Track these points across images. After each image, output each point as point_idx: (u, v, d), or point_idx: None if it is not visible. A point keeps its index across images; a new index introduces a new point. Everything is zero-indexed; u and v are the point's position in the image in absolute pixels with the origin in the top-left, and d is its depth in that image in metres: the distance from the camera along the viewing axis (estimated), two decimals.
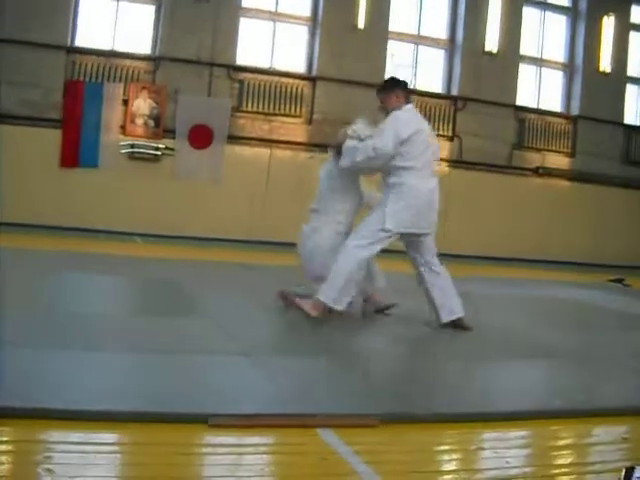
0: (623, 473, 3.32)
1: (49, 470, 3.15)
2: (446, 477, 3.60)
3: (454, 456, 3.95)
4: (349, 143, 7.34)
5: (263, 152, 17.49)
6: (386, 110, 7.48)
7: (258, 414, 4.01)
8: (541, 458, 3.99)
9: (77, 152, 16.39)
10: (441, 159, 18.85)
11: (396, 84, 7.62)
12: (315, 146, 17.72)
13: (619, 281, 14.97)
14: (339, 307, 7.03)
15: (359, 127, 7.50)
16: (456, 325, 7.32)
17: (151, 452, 3.56)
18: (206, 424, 3.84)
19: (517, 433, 4.30)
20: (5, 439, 3.55)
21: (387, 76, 17.86)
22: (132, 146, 16.64)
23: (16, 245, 11.06)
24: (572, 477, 3.70)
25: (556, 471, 3.74)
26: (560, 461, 3.95)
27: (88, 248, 12.76)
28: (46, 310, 6.69)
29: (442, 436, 4.15)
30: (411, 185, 7.14)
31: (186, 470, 3.39)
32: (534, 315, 8.30)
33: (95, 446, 3.52)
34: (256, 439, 3.81)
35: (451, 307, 7.34)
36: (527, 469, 3.76)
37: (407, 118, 7.32)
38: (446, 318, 7.31)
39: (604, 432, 4.50)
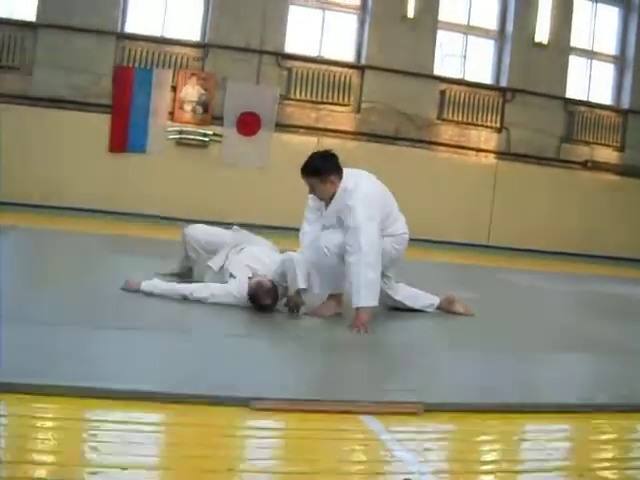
0: None
1: (94, 448, 3.18)
2: (488, 466, 3.57)
3: (496, 446, 3.92)
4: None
5: (310, 140, 17.46)
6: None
7: (300, 399, 4.03)
8: (582, 452, 3.95)
9: (125, 137, 16.53)
10: (488, 151, 18.88)
11: (329, 168, 6.74)
12: (362, 135, 17.76)
13: None
14: None
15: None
16: None
17: (193, 433, 3.58)
18: (248, 407, 3.86)
19: (560, 426, 4.26)
20: (52, 416, 3.59)
21: (436, 66, 17.95)
22: (180, 132, 16.75)
23: (66, 228, 11.18)
24: (613, 472, 3.66)
25: (597, 465, 3.69)
26: (601, 455, 3.92)
27: (135, 231, 12.89)
28: (94, 291, 6.78)
29: (484, 426, 4.12)
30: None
31: (226, 452, 3.39)
32: (584, 309, 8.26)
33: (137, 425, 3.54)
34: (298, 424, 3.81)
35: None
36: (568, 462, 3.72)
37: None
38: None
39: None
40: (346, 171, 6.79)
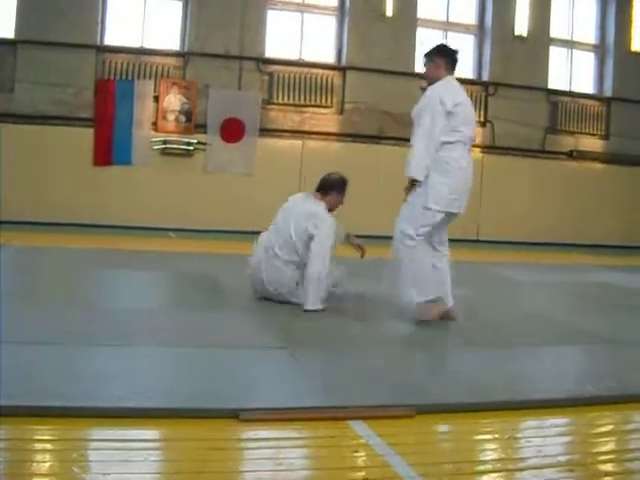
0: None
1: (83, 468, 3.18)
2: (480, 467, 3.58)
3: (488, 446, 3.93)
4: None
5: (295, 144, 17.49)
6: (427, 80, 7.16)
7: (288, 407, 4.03)
8: (575, 446, 3.96)
9: (110, 150, 16.49)
10: (474, 145, 18.86)
11: (437, 51, 7.17)
12: (346, 135, 17.76)
13: None
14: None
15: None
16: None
17: (182, 448, 3.58)
18: (237, 419, 3.86)
19: (551, 421, 4.27)
20: (39, 437, 3.59)
21: (417, 63, 17.98)
22: (164, 142, 16.71)
23: (52, 244, 11.15)
24: (607, 465, 3.67)
25: (590, 459, 3.70)
26: (594, 449, 3.92)
27: (123, 245, 12.87)
28: (81, 307, 6.77)
29: (475, 425, 4.13)
30: (455, 162, 6.88)
31: (217, 465, 3.39)
32: (569, 300, 8.27)
33: (126, 443, 3.54)
34: (287, 433, 3.81)
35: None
36: (561, 457, 3.72)
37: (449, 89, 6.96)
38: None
39: (638, 419, 4.47)
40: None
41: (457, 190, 6.95)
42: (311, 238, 7.35)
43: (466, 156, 7.01)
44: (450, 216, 7.09)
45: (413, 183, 6.83)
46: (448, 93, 6.86)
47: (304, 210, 7.57)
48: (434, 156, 6.77)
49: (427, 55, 7.18)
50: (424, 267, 6.94)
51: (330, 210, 7.66)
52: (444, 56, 7.09)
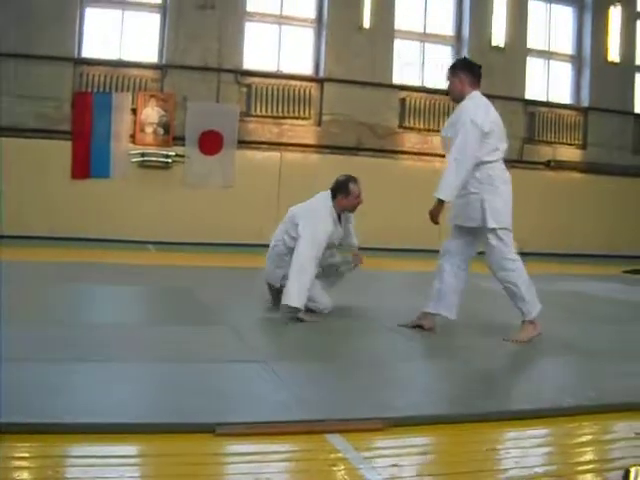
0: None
1: None
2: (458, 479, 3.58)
3: (465, 458, 3.91)
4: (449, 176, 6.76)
5: (274, 156, 17.52)
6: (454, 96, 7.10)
7: (264, 422, 4.01)
8: (554, 457, 3.96)
9: (88, 163, 16.46)
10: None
11: (461, 66, 7.13)
12: (325, 147, 17.79)
13: (635, 272, 14.91)
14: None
15: None
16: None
17: (158, 463, 3.55)
18: (213, 433, 3.84)
19: (529, 432, 4.26)
20: (14, 455, 3.55)
21: (395, 74, 18.06)
22: (142, 155, 16.71)
23: (30, 258, 11.10)
24: (586, 476, 3.67)
25: (569, 470, 3.70)
26: (574, 459, 3.91)
27: (102, 258, 12.82)
28: (58, 322, 6.71)
29: (452, 437, 4.12)
30: (500, 178, 6.91)
31: None
32: (548, 310, 8.24)
33: (102, 459, 3.51)
34: (264, 447, 3.78)
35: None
36: (540, 469, 3.71)
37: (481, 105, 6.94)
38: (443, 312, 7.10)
39: (616, 429, 4.47)
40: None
41: (509, 203, 7.04)
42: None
43: (505, 169, 7.05)
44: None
45: (440, 205, 6.78)
46: (479, 112, 6.81)
47: (305, 205, 7.92)
48: (478, 177, 6.79)
49: (451, 69, 7.12)
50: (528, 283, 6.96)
51: (350, 211, 8.01)
52: (468, 71, 7.04)
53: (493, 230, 6.87)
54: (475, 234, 7.08)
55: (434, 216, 6.81)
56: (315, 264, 7.40)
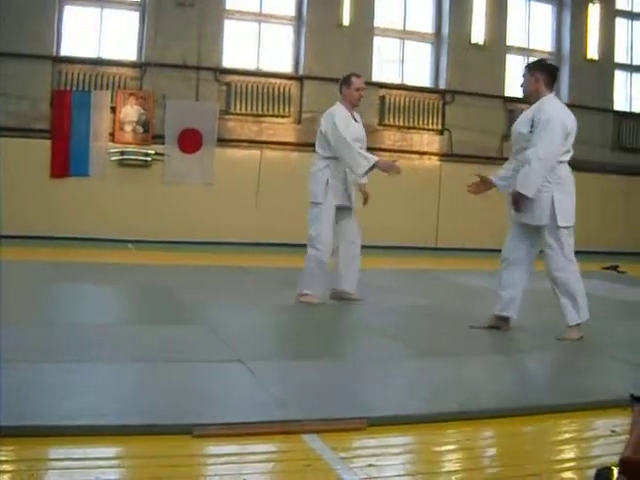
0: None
1: None
2: (435, 479, 3.58)
3: (443, 457, 3.92)
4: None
5: (253, 154, 17.45)
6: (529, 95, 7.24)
7: (241, 422, 4.00)
8: (532, 455, 3.96)
9: (67, 162, 16.36)
10: (431, 153, 19.02)
11: (538, 66, 7.25)
12: (305, 145, 17.75)
13: (614, 268, 14.97)
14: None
15: None
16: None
17: (135, 466, 3.54)
18: (191, 435, 3.83)
19: (507, 430, 4.28)
20: None
21: (375, 72, 18.07)
22: (122, 153, 16.61)
23: (8, 257, 11.03)
24: (565, 474, 3.68)
25: (547, 468, 3.72)
26: (552, 457, 3.93)
27: (81, 257, 12.76)
28: (38, 323, 6.68)
29: (429, 437, 4.12)
30: (569, 178, 7.26)
31: None
32: (526, 307, 8.26)
33: (78, 461, 3.50)
34: (241, 448, 3.78)
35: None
36: (518, 467, 3.72)
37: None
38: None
39: (593, 426, 4.49)
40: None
41: (574, 203, 7.35)
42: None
43: (571, 171, 7.35)
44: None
45: (520, 199, 7.14)
46: (566, 115, 7.08)
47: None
48: (549, 176, 7.06)
49: (528, 68, 7.26)
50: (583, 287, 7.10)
51: (354, 105, 8.69)
52: (545, 71, 7.15)
53: (560, 229, 7.10)
54: (539, 233, 7.24)
55: (521, 207, 7.26)
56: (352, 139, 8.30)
